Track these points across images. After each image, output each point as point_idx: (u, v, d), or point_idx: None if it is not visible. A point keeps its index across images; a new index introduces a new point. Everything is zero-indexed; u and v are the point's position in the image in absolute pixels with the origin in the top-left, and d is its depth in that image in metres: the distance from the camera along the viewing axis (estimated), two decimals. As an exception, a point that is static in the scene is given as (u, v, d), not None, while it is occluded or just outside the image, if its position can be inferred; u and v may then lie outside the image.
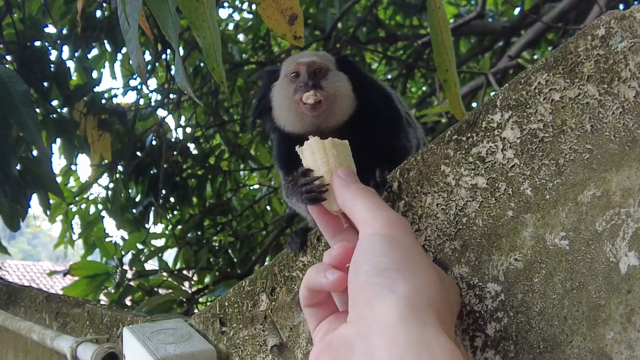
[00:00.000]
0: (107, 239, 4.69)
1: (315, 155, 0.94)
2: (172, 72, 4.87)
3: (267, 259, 4.49)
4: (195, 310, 2.82)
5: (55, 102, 4.11)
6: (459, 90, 1.69)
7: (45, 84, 3.93)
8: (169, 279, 4.35)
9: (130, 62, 1.30)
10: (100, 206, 4.91)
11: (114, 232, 8.39)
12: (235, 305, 1.36)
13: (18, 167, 3.22)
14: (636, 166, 0.75)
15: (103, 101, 4.65)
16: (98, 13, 4.56)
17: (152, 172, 4.68)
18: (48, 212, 3.79)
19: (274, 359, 1.23)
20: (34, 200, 3.49)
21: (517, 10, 5.34)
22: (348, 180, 0.89)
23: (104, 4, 4.51)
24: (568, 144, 0.81)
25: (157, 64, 5.00)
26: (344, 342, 0.71)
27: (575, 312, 0.78)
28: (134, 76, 4.95)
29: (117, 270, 4.23)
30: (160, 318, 1.60)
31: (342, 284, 0.78)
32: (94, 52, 4.82)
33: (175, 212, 5.05)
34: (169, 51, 4.69)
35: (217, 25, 1.36)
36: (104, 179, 4.80)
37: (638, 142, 0.75)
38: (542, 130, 0.84)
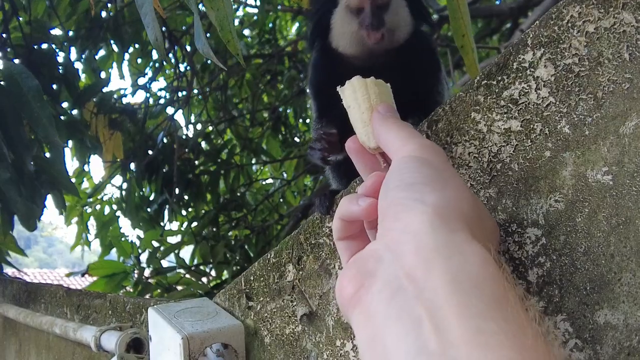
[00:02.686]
0: (123, 239, 4.69)
1: (357, 93, 0.92)
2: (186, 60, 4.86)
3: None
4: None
5: (65, 104, 4.11)
6: (476, 56, 1.66)
7: (54, 86, 3.92)
8: (187, 276, 4.34)
9: (148, 35, 1.28)
10: (114, 206, 4.90)
11: (130, 231, 8.42)
12: (261, 278, 1.33)
13: (32, 168, 3.21)
14: (681, 91, 0.72)
15: (113, 101, 4.64)
16: (103, 13, 4.55)
17: (164, 170, 4.67)
18: (64, 212, 3.78)
19: (304, 329, 1.20)
20: (50, 202, 3.49)
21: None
22: (387, 115, 0.87)
23: (109, 4, 4.51)
24: (606, 76, 0.78)
25: (164, 62, 5.00)
26: (372, 255, 0.69)
27: (622, 248, 0.75)
28: (144, 74, 4.94)
29: (135, 269, 4.22)
30: (185, 299, 1.57)
31: (374, 211, 0.76)
32: (101, 52, 4.81)
33: (190, 209, 5.04)
34: (177, 48, 4.69)
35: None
36: (117, 179, 4.80)
37: (682, 65, 0.72)
38: (578, 64, 0.81)
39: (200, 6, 1.37)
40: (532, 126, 0.85)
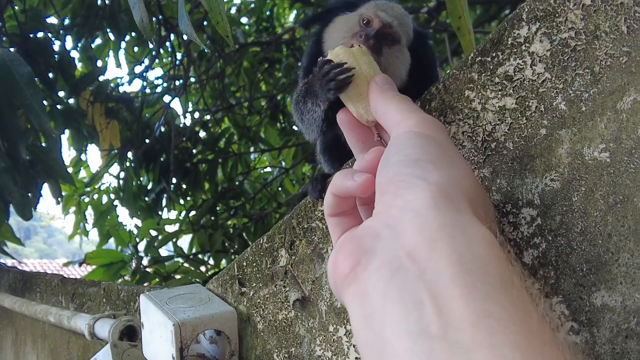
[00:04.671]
0: (121, 228, 4.68)
1: (350, 58, 0.89)
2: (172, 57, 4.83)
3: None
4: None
5: (61, 93, 4.08)
6: (473, 38, 1.63)
7: (50, 74, 3.89)
8: (185, 264, 4.33)
9: (134, 16, 1.25)
10: (112, 195, 4.88)
11: (128, 220, 8.39)
12: (254, 264, 1.31)
13: (28, 157, 3.19)
14: (681, 64, 0.69)
15: (109, 90, 4.61)
16: (99, 1, 4.51)
17: (162, 158, 4.65)
18: (60, 201, 3.76)
19: (297, 314, 1.18)
20: (46, 191, 3.47)
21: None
22: (385, 87, 0.84)
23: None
24: (603, 50, 0.75)
25: (161, 50, 4.95)
26: (369, 232, 0.66)
27: (620, 227, 0.72)
28: (140, 62, 4.90)
29: (133, 258, 4.21)
30: (178, 286, 1.55)
31: (370, 187, 0.73)
32: (98, 41, 4.77)
33: (188, 198, 5.02)
34: (172, 37, 4.65)
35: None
36: (115, 168, 4.78)
37: (682, 37, 0.69)
38: (574, 38, 0.78)
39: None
40: (527, 103, 0.82)
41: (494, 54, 0.87)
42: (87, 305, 2.15)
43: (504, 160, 0.85)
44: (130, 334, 1.68)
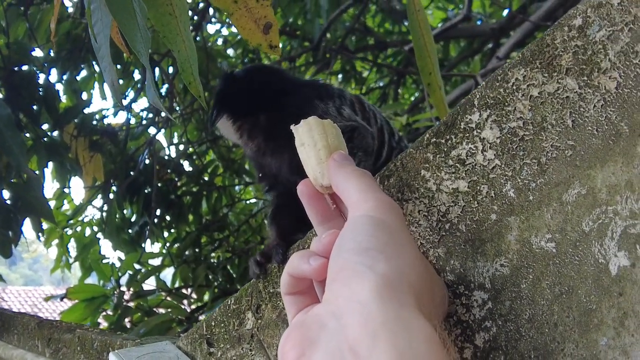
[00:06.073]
0: (104, 261, 4.64)
1: (313, 131, 0.90)
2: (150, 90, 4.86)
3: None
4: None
5: (45, 126, 4.09)
6: (444, 94, 1.66)
7: (35, 107, 3.90)
8: (168, 298, 4.30)
9: (105, 79, 1.27)
10: (95, 228, 4.86)
11: (111, 253, 8.32)
12: (222, 324, 1.31)
13: (9, 194, 3.19)
14: (621, 161, 0.71)
15: (94, 122, 4.62)
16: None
17: (146, 191, 4.64)
18: (41, 237, 3.75)
19: (262, 379, 1.19)
20: (28, 225, 3.46)
21: (505, 12, 5.33)
22: (345, 163, 0.85)
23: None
24: (549, 142, 0.78)
25: (146, 82, 4.97)
26: (316, 320, 0.67)
27: (565, 318, 0.74)
28: (124, 95, 4.92)
29: (115, 292, 4.18)
30: (150, 341, 1.55)
31: (324, 272, 0.74)
32: (83, 73, 4.79)
33: (172, 231, 5.00)
34: (157, 70, 4.67)
35: (192, 38, 1.32)
36: (98, 201, 4.76)
37: (622, 135, 0.71)
38: (522, 128, 0.80)
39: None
40: (478, 188, 0.84)
41: (447, 137, 0.89)
42: (63, 351, 2.13)
43: (457, 242, 0.86)
44: (102, 386, 1.67)
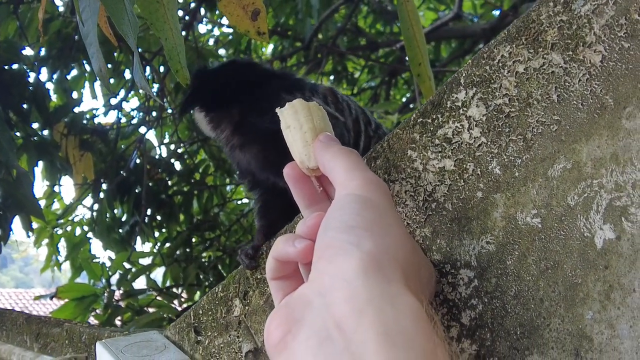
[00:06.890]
0: (95, 260, 4.62)
1: (299, 114, 0.90)
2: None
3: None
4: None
5: (35, 125, 4.07)
6: (434, 85, 1.66)
7: (25, 106, 3.88)
8: (158, 298, 4.28)
9: (92, 66, 1.26)
10: (86, 227, 4.83)
11: (102, 253, 8.27)
12: (210, 312, 1.31)
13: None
14: (606, 134, 0.71)
15: (84, 121, 4.60)
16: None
17: (136, 190, 4.62)
18: (31, 235, 3.72)
19: (249, 366, 1.18)
20: (18, 224, 3.44)
21: (496, 12, 5.35)
22: (331, 143, 0.85)
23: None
24: (535, 117, 0.77)
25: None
26: (302, 299, 0.66)
27: (551, 293, 0.74)
28: (115, 94, 4.90)
29: (105, 292, 4.16)
30: (137, 332, 1.54)
31: (310, 254, 0.73)
32: (74, 72, 4.78)
33: (163, 230, 4.98)
34: (148, 69, 4.66)
35: (179, 26, 1.32)
36: (89, 200, 4.74)
37: (607, 108, 0.71)
38: (508, 104, 0.80)
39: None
40: (464, 166, 0.84)
41: (434, 116, 0.89)
42: (51, 345, 2.12)
43: (444, 220, 0.86)
44: (90, 379, 1.66)
